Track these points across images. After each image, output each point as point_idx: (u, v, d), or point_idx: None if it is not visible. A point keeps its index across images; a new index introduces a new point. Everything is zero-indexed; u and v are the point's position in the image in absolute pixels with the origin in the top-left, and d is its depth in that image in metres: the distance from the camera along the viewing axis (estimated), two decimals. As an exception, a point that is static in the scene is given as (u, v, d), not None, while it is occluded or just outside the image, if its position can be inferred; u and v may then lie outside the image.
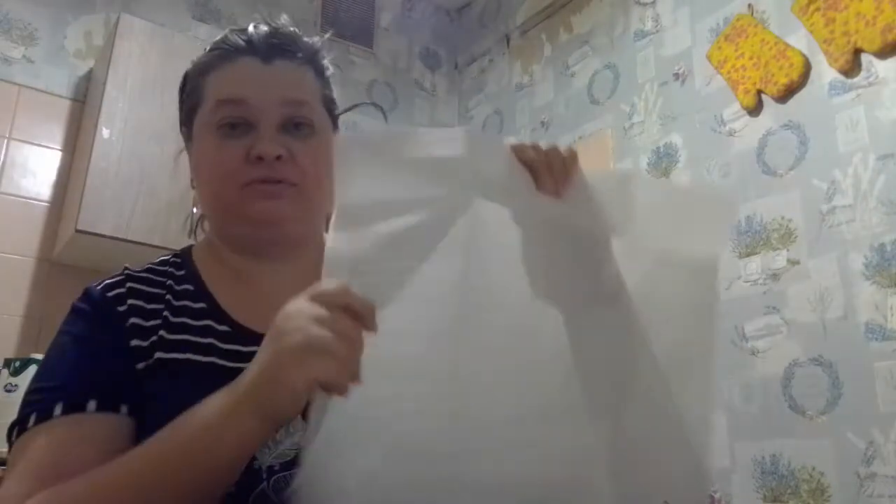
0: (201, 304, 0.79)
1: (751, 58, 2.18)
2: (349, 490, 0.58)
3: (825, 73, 2.02)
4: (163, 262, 0.84)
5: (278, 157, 0.77)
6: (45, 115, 2.53)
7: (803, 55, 2.06)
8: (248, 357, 0.68)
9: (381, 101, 3.29)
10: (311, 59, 0.85)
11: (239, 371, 0.61)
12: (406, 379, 0.60)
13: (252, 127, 0.79)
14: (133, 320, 0.75)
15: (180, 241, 0.92)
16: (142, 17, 2.55)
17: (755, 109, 2.17)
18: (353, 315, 0.55)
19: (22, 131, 2.48)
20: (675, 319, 0.71)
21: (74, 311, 0.77)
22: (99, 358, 0.72)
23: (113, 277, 0.80)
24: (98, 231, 2.21)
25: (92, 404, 0.69)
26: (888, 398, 1.73)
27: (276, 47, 0.82)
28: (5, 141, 2.45)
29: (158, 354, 0.73)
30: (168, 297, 0.78)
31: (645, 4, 2.65)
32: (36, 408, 0.69)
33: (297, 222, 0.81)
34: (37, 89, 2.53)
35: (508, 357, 0.64)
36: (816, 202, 1.98)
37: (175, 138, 0.89)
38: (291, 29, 0.86)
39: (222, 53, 0.82)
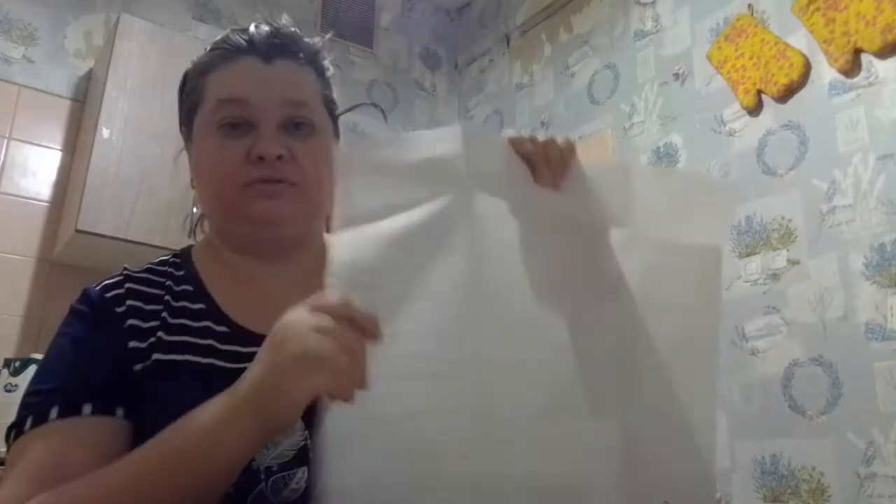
0: (200, 305, 0.79)
1: (751, 58, 2.18)
2: (351, 490, 0.58)
3: (825, 73, 2.02)
4: (162, 263, 0.83)
5: (279, 157, 0.77)
6: (45, 115, 2.53)
7: (803, 55, 2.06)
8: (248, 358, 0.68)
9: (381, 101, 3.28)
10: (312, 60, 0.85)
11: (238, 372, 0.61)
12: (409, 378, 0.60)
13: (252, 127, 0.78)
14: (131, 321, 0.75)
15: (180, 241, 0.92)
16: (142, 17, 2.55)
17: (755, 109, 2.17)
18: (356, 327, 0.56)
19: (22, 131, 2.48)
20: (678, 311, 0.70)
21: (73, 312, 0.77)
22: (96, 360, 0.72)
23: (111, 278, 0.79)
24: (98, 231, 2.21)
25: (87, 408, 0.69)
26: (888, 398, 1.73)
27: (278, 47, 0.82)
28: (5, 141, 2.45)
29: (156, 356, 0.73)
30: (167, 297, 0.78)
31: (645, 4, 2.65)
32: (32, 410, 0.69)
33: (298, 222, 0.81)
34: (37, 89, 2.53)
35: (513, 354, 0.64)
36: (816, 202, 1.98)
37: (175, 138, 0.89)
38: (292, 29, 0.85)
39: (223, 53, 0.82)
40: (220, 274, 0.83)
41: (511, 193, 0.66)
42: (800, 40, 2.08)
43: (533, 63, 3.10)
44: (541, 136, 0.71)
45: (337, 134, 0.88)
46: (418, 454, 0.60)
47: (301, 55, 0.84)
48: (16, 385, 1.92)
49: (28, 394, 0.72)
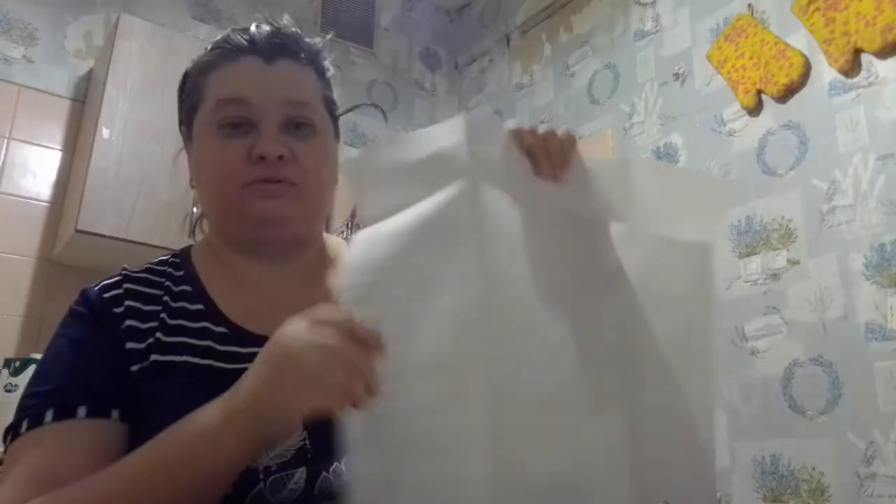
0: (199, 306, 0.79)
1: (751, 58, 2.18)
2: (369, 487, 0.58)
3: (825, 73, 2.02)
4: (161, 263, 0.83)
5: (280, 157, 0.77)
6: (45, 115, 2.53)
7: (803, 55, 2.06)
8: (247, 358, 0.68)
9: (381, 101, 3.28)
10: (313, 60, 0.85)
11: (237, 372, 0.61)
12: (420, 373, 0.60)
13: (253, 127, 0.78)
14: (129, 322, 0.75)
15: (180, 241, 0.92)
16: (142, 17, 2.55)
17: (755, 109, 2.17)
18: (358, 341, 0.56)
19: (22, 131, 2.48)
20: (675, 308, 0.70)
21: (71, 313, 0.77)
22: (92, 362, 0.72)
23: (110, 278, 0.79)
24: (98, 231, 2.21)
25: (82, 410, 0.69)
26: (888, 398, 1.73)
27: (279, 47, 0.82)
28: (5, 141, 2.45)
29: (154, 357, 0.73)
30: (166, 298, 0.78)
31: (645, 4, 2.65)
32: (29, 413, 0.69)
33: (298, 222, 0.81)
34: (37, 89, 2.53)
35: (521, 348, 0.63)
36: (816, 202, 1.98)
37: (175, 138, 0.89)
38: (293, 29, 0.85)
39: (224, 53, 0.82)
40: (219, 274, 0.83)
41: (512, 185, 0.66)
42: (800, 40, 2.08)
43: (533, 63, 3.10)
44: (542, 127, 0.70)
45: (337, 134, 0.88)
46: (432, 450, 0.60)
47: (302, 55, 0.84)
48: (16, 385, 1.92)
49: (25, 396, 0.72)
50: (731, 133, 2.24)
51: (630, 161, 0.75)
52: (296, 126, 0.80)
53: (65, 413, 0.68)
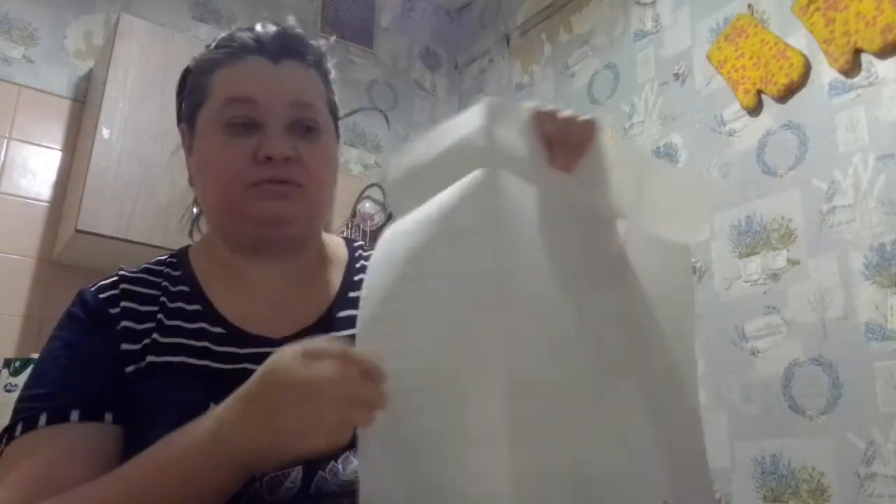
0: (196, 306, 0.79)
1: (751, 58, 2.18)
2: (385, 487, 0.57)
3: (825, 73, 2.02)
4: (159, 263, 0.83)
5: (287, 159, 0.77)
6: (45, 115, 2.53)
7: (803, 55, 2.06)
8: (244, 359, 0.68)
9: (381, 101, 3.28)
10: (318, 62, 0.85)
11: (234, 373, 0.61)
12: (432, 370, 0.60)
13: (259, 127, 0.78)
14: (125, 323, 0.75)
15: (180, 241, 0.91)
16: (142, 17, 2.55)
17: (755, 109, 2.17)
18: (356, 371, 0.55)
19: (22, 131, 2.48)
20: (660, 307, 0.70)
21: (67, 315, 0.77)
22: (86, 365, 0.72)
23: (107, 279, 0.79)
24: (98, 231, 2.21)
25: (75, 414, 0.69)
26: (888, 398, 1.73)
27: (286, 48, 0.82)
28: (5, 141, 2.45)
29: (150, 358, 0.73)
30: (163, 298, 0.78)
31: (645, 4, 2.65)
32: (23, 416, 0.70)
33: (300, 223, 0.81)
34: (37, 89, 2.53)
35: (538, 338, 0.63)
36: (816, 202, 1.97)
37: (176, 138, 0.89)
38: (299, 31, 0.85)
39: (231, 51, 0.81)
40: (217, 275, 0.82)
41: (531, 172, 0.65)
42: (800, 40, 2.08)
43: (533, 63, 3.09)
44: (567, 112, 0.68)
45: (338, 135, 0.88)
46: (449, 445, 0.59)
47: (308, 57, 0.83)
48: (16, 385, 1.92)
49: (20, 398, 0.72)
50: (731, 133, 2.24)
51: (641, 157, 0.75)
52: (301, 127, 0.80)
53: (58, 417, 0.69)
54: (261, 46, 0.81)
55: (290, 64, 0.81)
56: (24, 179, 2.46)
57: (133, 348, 0.73)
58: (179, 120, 0.87)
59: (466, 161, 0.63)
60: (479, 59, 3.44)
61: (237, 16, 2.95)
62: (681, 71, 2.44)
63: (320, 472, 0.70)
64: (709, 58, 2.32)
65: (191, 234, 0.92)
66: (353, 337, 0.62)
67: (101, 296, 0.77)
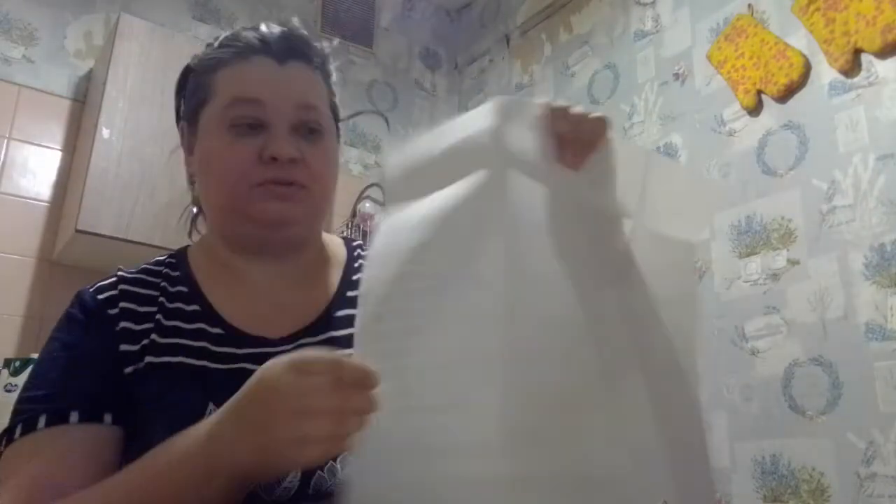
0: (194, 307, 0.78)
1: (751, 58, 2.18)
2: (373, 487, 0.57)
3: (825, 73, 2.02)
4: (158, 263, 0.83)
5: (292, 160, 0.77)
6: (45, 115, 2.53)
7: (803, 55, 2.06)
8: (243, 359, 0.68)
9: (381, 102, 3.28)
10: (322, 65, 0.85)
11: (232, 373, 0.61)
12: (436, 369, 0.59)
13: (264, 127, 0.78)
14: (123, 324, 0.75)
15: (180, 241, 0.91)
16: (142, 16, 2.55)
17: (755, 109, 2.17)
18: (348, 384, 0.53)
19: (22, 131, 2.48)
20: (664, 307, 0.69)
21: (66, 317, 0.77)
22: (85, 366, 0.72)
23: (105, 279, 0.79)
24: (98, 231, 2.21)
25: (74, 416, 0.69)
26: (888, 398, 1.73)
27: (291, 49, 0.81)
28: (5, 141, 2.45)
29: (149, 359, 0.73)
30: (161, 299, 0.78)
31: (645, 4, 2.64)
32: (22, 418, 0.70)
33: (303, 224, 0.81)
34: (37, 89, 2.53)
35: (544, 342, 0.62)
36: (816, 202, 1.97)
37: (176, 138, 0.89)
38: (304, 32, 0.85)
39: (236, 51, 0.81)
40: (216, 275, 0.82)
41: (540, 172, 0.64)
42: (800, 40, 2.08)
43: (533, 63, 3.09)
44: (578, 108, 0.67)
45: (338, 137, 0.88)
46: (447, 448, 0.58)
47: (313, 59, 0.83)
48: (16, 385, 1.92)
49: (19, 400, 0.72)
50: (731, 133, 2.24)
51: (647, 156, 0.74)
52: (305, 129, 0.80)
53: (58, 418, 0.68)
54: (266, 47, 0.81)
55: (296, 65, 0.81)
56: (24, 179, 2.46)
57: (132, 349, 0.73)
58: (179, 118, 0.87)
59: (473, 160, 0.62)
60: (479, 59, 3.44)
61: (237, 16, 2.95)
62: (681, 71, 2.44)
63: (318, 472, 0.70)
64: (709, 58, 2.32)
65: (190, 234, 0.92)
66: (351, 336, 0.62)
67: (100, 297, 0.77)
